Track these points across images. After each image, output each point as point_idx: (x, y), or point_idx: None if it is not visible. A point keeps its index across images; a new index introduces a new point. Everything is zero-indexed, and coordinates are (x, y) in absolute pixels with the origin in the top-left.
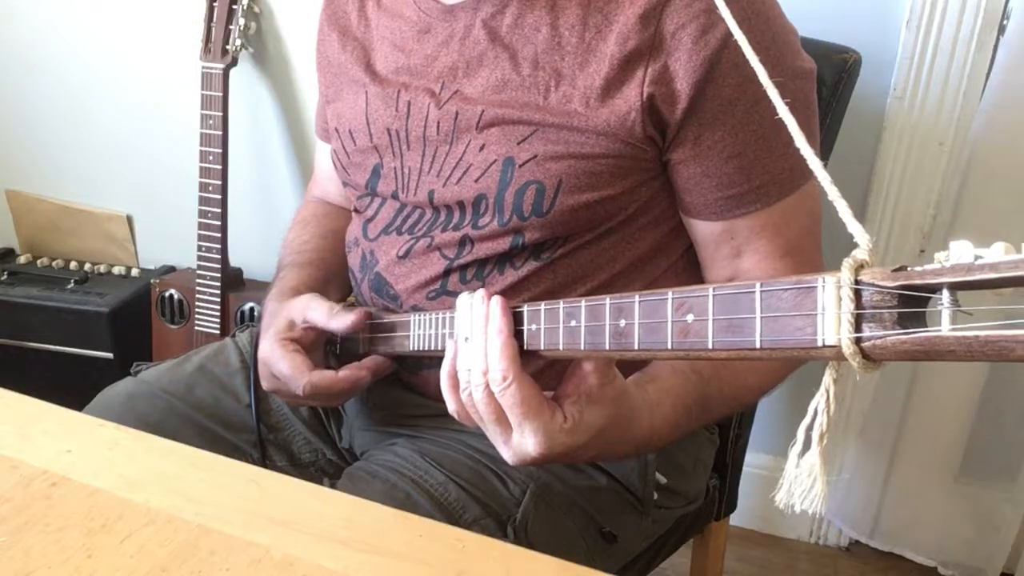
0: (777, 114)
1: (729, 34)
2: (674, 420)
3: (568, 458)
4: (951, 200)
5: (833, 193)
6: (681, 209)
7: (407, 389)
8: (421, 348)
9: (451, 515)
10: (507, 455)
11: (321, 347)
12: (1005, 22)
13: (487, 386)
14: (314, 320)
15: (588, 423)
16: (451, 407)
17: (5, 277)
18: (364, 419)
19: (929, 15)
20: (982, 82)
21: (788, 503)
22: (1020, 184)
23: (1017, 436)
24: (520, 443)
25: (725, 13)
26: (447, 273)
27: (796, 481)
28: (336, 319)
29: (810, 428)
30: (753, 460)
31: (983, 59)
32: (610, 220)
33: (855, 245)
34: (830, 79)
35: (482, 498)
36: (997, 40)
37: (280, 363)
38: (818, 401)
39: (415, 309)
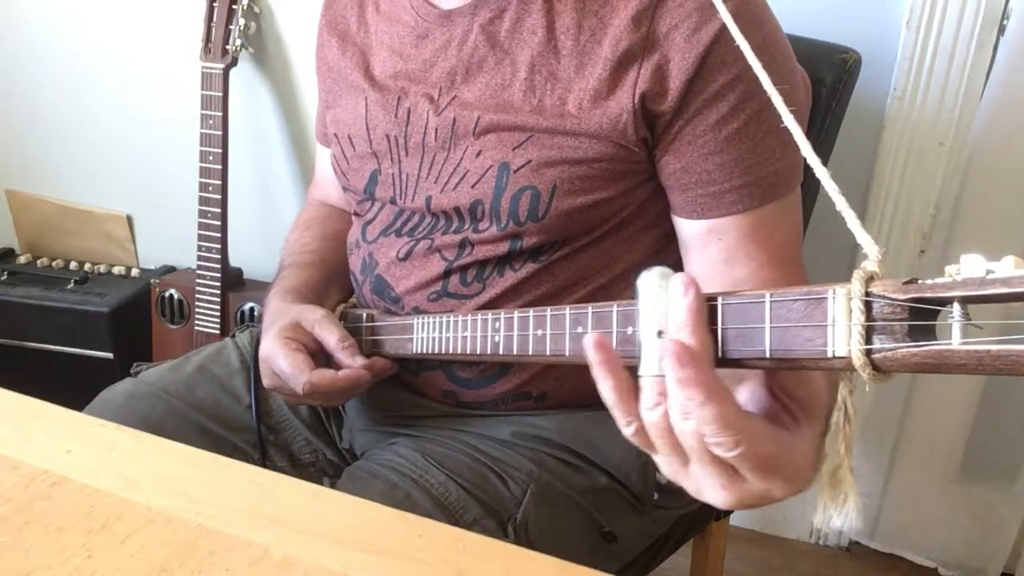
0: (765, 118)
1: (719, 32)
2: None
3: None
4: (951, 200)
5: (841, 203)
6: (670, 211)
7: (408, 390)
8: (425, 351)
9: (451, 515)
10: (721, 499)
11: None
12: (1005, 22)
13: (703, 437)
14: (324, 341)
15: (813, 444)
16: (625, 425)
17: (5, 277)
18: (364, 419)
19: (929, 15)
20: (982, 82)
21: (826, 522)
22: (1020, 184)
23: (1017, 437)
24: (763, 492)
25: (722, 10)
26: (447, 274)
27: (830, 498)
28: (345, 353)
29: (835, 443)
30: None
31: (983, 59)
32: (606, 223)
33: (850, 250)
34: (830, 79)
35: (483, 498)
36: (997, 40)
37: (281, 361)
38: (838, 416)
39: (417, 311)
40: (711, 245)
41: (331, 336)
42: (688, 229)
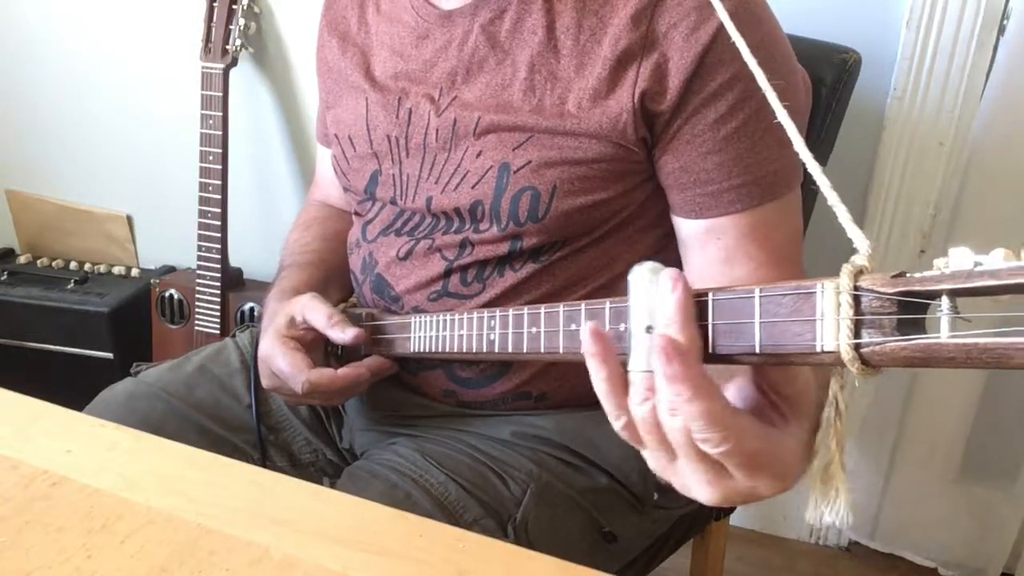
0: (764, 117)
1: (718, 31)
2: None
3: (794, 484)
4: (951, 200)
5: (833, 198)
6: (670, 210)
7: (407, 390)
8: (422, 350)
9: (451, 515)
10: (707, 495)
11: (321, 347)
12: (1005, 22)
13: (690, 434)
14: (313, 322)
15: (802, 441)
16: (615, 419)
17: (5, 277)
18: (364, 419)
19: (929, 15)
20: (982, 82)
21: (817, 519)
22: (1020, 184)
23: (1017, 436)
24: (750, 489)
25: (720, 9)
26: (448, 274)
27: (821, 495)
28: (335, 329)
29: (827, 438)
30: None
31: (983, 59)
32: (606, 223)
33: (847, 248)
34: (830, 79)
35: (482, 498)
36: (997, 40)
37: (279, 361)
38: (828, 411)
39: (416, 310)
40: (710, 244)
41: (319, 317)
42: (687, 229)
